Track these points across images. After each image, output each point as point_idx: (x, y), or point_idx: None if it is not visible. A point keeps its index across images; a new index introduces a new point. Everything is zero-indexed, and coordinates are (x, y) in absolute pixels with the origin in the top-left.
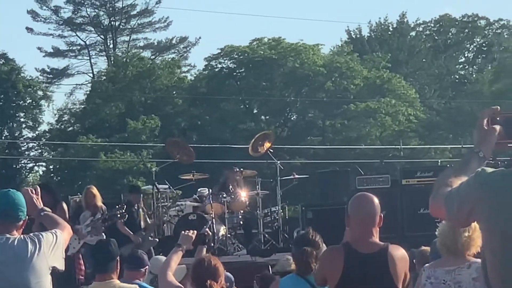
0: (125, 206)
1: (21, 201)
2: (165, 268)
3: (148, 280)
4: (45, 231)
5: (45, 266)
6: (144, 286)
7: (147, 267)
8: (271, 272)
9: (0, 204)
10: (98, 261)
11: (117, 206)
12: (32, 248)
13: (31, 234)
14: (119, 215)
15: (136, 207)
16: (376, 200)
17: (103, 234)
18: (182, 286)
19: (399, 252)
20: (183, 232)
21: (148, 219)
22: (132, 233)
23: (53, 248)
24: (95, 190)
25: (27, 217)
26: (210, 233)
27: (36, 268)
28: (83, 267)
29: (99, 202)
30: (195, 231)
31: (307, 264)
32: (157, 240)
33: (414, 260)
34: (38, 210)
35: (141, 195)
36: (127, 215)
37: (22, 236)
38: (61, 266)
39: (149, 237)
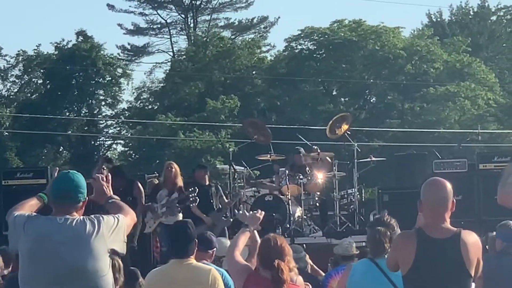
0: (197, 189)
1: (81, 182)
2: (233, 248)
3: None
4: (106, 214)
5: (103, 248)
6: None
7: (214, 249)
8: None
9: (60, 186)
10: (177, 244)
11: (190, 189)
12: (90, 229)
13: (92, 216)
14: (191, 199)
15: (208, 186)
16: (448, 185)
17: (179, 214)
18: (249, 265)
19: (471, 238)
20: (251, 212)
21: (224, 198)
22: (204, 214)
23: (113, 231)
24: (175, 166)
25: (86, 198)
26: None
27: (93, 249)
28: (158, 245)
29: (179, 179)
30: (263, 212)
31: (380, 244)
32: (231, 220)
33: (486, 246)
34: (107, 197)
35: (205, 172)
36: (198, 199)
37: (82, 217)
38: (121, 249)
39: (223, 217)
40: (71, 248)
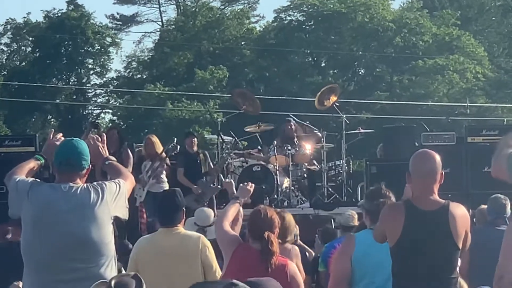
0: (175, 139)
1: (85, 149)
2: (222, 218)
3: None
4: (108, 180)
5: (107, 215)
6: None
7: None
8: (333, 226)
9: (63, 153)
10: (165, 213)
11: (170, 145)
12: (95, 197)
13: (95, 183)
14: (171, 147)
15: (196, 153)
16: (437, 157)
17: (164, 179)
18: (237, 235)
19: (460, 210)
20: (241, 184)
21: (211, 164)
22: (192, 183)
23: (116, 198)
24: (154, 139)
25: (90, 165)
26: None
27: (98, 217)
28: (145, 216)
29: (159, 150)
30: (253, 185)
31: None
32: (219, 187)
33: (474, 219)
34: (103, 159)
35: (194, 138)
36: (178, 146)
37: (85, 184)
38: (124, 215)
39: (211, 185)
40: (76, 217)
